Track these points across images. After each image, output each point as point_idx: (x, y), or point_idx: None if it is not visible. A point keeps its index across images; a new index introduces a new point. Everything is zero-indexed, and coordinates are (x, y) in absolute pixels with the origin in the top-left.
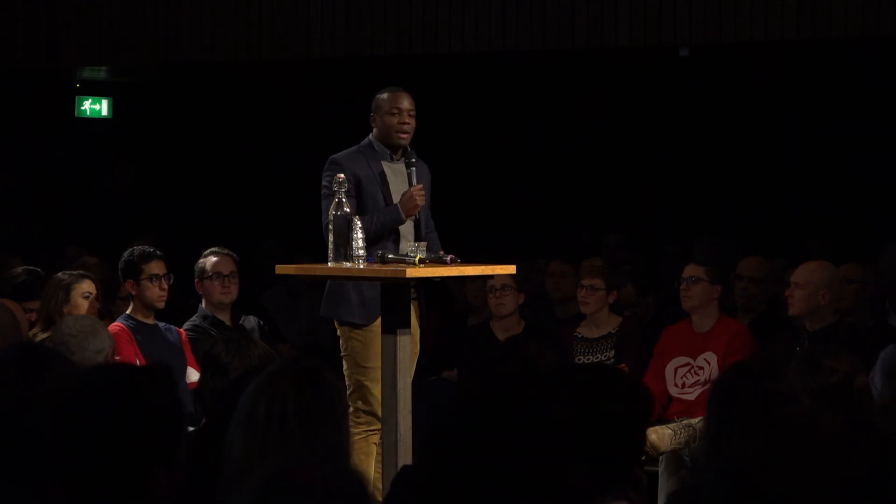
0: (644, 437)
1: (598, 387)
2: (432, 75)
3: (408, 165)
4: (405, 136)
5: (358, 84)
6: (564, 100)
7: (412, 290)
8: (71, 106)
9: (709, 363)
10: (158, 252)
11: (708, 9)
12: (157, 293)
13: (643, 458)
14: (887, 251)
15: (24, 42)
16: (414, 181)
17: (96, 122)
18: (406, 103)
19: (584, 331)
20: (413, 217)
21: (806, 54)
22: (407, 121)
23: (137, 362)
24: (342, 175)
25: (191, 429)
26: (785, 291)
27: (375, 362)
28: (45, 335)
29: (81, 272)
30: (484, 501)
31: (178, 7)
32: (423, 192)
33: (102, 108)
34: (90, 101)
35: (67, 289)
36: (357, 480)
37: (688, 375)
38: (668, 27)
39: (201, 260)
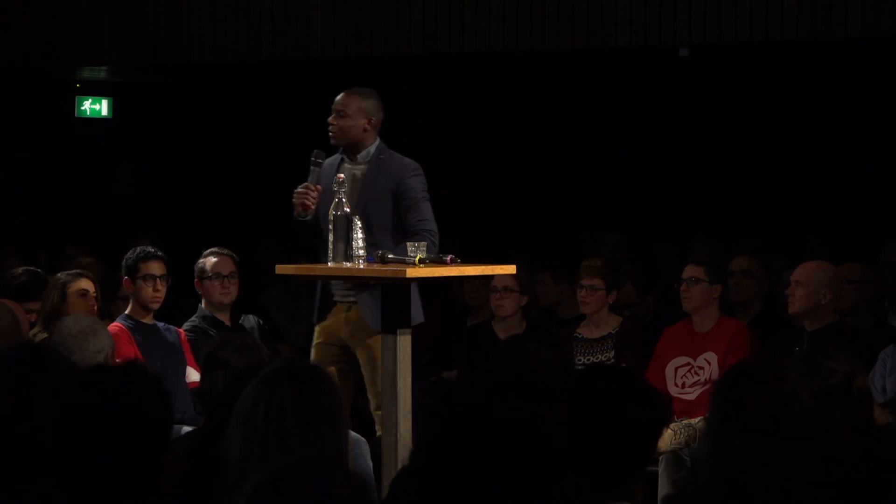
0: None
1: (618, 389)
2: (432, 75)
3: (312, 164)
4: (330, 136)
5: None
6: (564, 100)
7: (350, 291)
8: (71, 106)
9: (709, 363)
10: (159, 253)
11: (708, 9)
12: (150, 294)
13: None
14: (887, 251)
15: (24, 42)
16: (310, 179)
17: (96, 122)
18: (335, 102)
19: (584, 331)
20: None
21: (806, 54)
22: (331, 122)
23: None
24: (342, 175)
25: (189, 429)
26: (786, 290)
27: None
28: (45, 335)
29: (78, 271)
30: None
31: (178, 7)
32: (302, 191)
33: (102, 108)
34: (90, 101)
35: (63, 288)
36: (360, 484)
37: (688, 375)
38: (668, 27)
39: (201, 260)
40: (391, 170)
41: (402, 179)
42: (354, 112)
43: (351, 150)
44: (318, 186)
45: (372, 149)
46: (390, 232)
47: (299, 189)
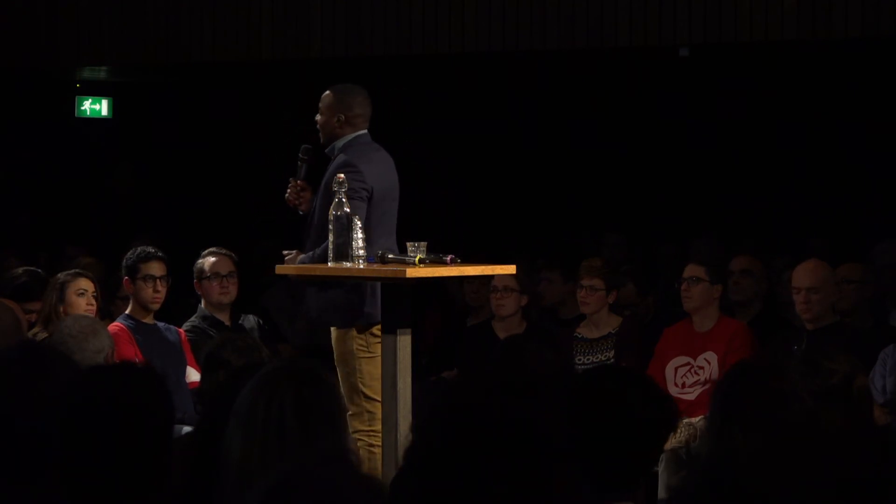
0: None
1: (627, 391)
2: (432, 75)
3: (299, 159)
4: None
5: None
6: (564, 100)
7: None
8: (71, 106)
9: (709, 363)
10: (160, 253)
11: (708, 9)
12: (150, 294)
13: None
14: (886, 250)
15: (24, 42)
16: (296, 174)
17: (96, 122)
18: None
19: (584, 331)
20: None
21: (806, 54)
22: (316, 119)
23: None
24: (342, 175)
25: (189, 429)
26: (795, 297)
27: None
28: (45, 335)
29: (78, 271)
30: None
31: (178, 7)
32: (289, 190)
33: (102, 108)
34: (90, 101)
35: (62, 288)
36: (374, 485)
37: (688, 375)
38: (668, 27)
39: (199, 260)
40: (333, 166)
41: (333, 174)
42: (326, 108)
43: (329, 145)
44: (299, 181)
45: (339, 144)
46: None
47: (291, 187)
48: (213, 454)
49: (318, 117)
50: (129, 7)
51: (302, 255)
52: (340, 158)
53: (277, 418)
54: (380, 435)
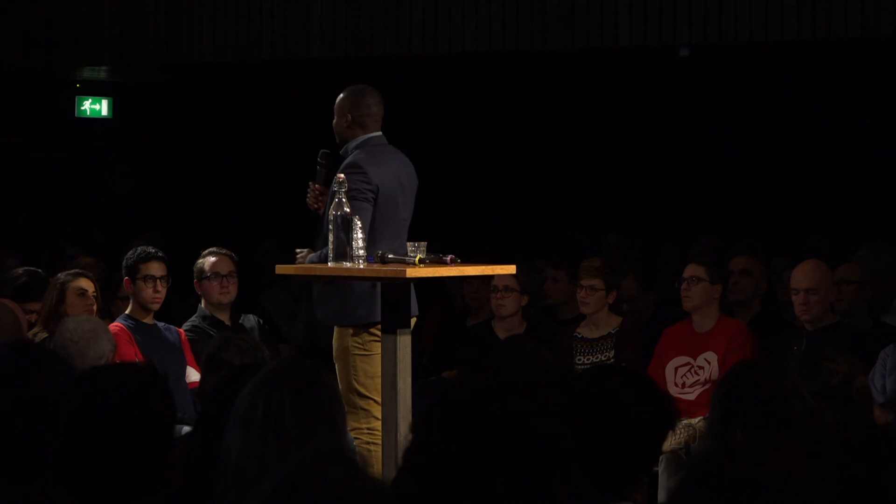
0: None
1: (626, 390)
2: (432, 75)
3: (317, 164)
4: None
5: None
6: (564, 100)
7: None
8: (71, 106)
9: (709, 363)
10: (160, 253)
11: (708, 9)
12: (150, 294)
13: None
14: (866, 256)
15: (24, 42)
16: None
17: (96, 122)
18: None
19: (584, 331)
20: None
21: (806, 54)
22: None
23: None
24: (342, 175)
25: (189, 429)
26: (793, 297)
27: None
28: (45, 335)
29: (78, 271)
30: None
31: (178, 7)
32: (308, 192)
33: (102, 108)
34: (90, 101)
35: (63, 288)
36: (379, 485)
37: (688, 375)
38: (668, 27)
39: (199, 260)
40: (340, 168)
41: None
42: (337, 109)
43: (342, 147)
44: (317, 185)
45: (351, 145)
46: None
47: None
48: (212, 454)
49: (334, 120)
50: (129, 7)
51: (311, 255)
52: (348, 159)
53: (277, 418)
54: (376, 432)
